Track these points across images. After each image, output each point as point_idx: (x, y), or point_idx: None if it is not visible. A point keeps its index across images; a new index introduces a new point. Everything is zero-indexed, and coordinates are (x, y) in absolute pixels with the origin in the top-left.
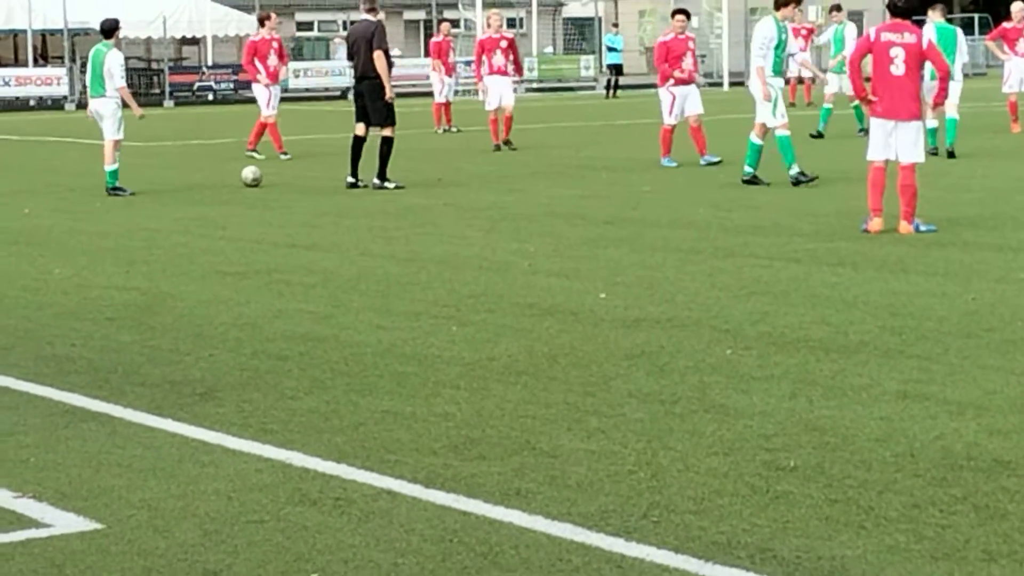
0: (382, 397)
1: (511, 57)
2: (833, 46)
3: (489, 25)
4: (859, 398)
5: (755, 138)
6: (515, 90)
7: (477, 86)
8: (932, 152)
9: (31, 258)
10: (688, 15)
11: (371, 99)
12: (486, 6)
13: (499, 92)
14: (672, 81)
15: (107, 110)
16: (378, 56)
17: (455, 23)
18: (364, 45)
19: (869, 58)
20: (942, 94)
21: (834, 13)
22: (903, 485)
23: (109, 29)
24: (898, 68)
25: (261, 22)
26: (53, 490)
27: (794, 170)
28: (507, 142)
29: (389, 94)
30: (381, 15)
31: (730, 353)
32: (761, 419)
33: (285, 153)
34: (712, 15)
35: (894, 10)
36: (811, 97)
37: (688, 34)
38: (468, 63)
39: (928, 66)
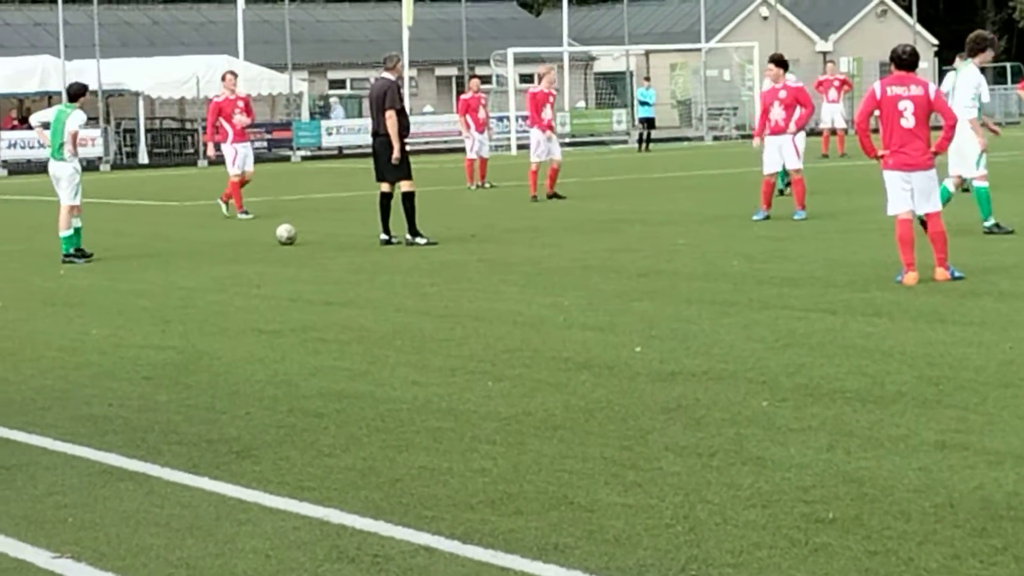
0: (419, 453)
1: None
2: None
3: (541, 79)
4: (897, 449)
5: (951, 186)
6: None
7: (543, 136)
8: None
9: (68, 319)
10: (779, 63)
11: (383, 156)
12: (517, 62)
13: (547, 146)
14: (767, 131)
15: (64, 174)
16: (389, 116)
17: (486, 79)
18: (376, 103)
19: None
20: (945, 143)
21: (771, 68)
22: (943, 536)
23: (75, 93)
24: (908, 121)
25: (222, 81)
26: (91, 550)
27: (990, 221)
28: (555, 195)
29: (396, 155)
30: (403, 72)
31: (767, 405)
32: (799, 471)
33: (246, 212)
34: (744, 67)
35: (899, 63)
36: (844, 148)
37: (787, 83)
38: (500, 119)
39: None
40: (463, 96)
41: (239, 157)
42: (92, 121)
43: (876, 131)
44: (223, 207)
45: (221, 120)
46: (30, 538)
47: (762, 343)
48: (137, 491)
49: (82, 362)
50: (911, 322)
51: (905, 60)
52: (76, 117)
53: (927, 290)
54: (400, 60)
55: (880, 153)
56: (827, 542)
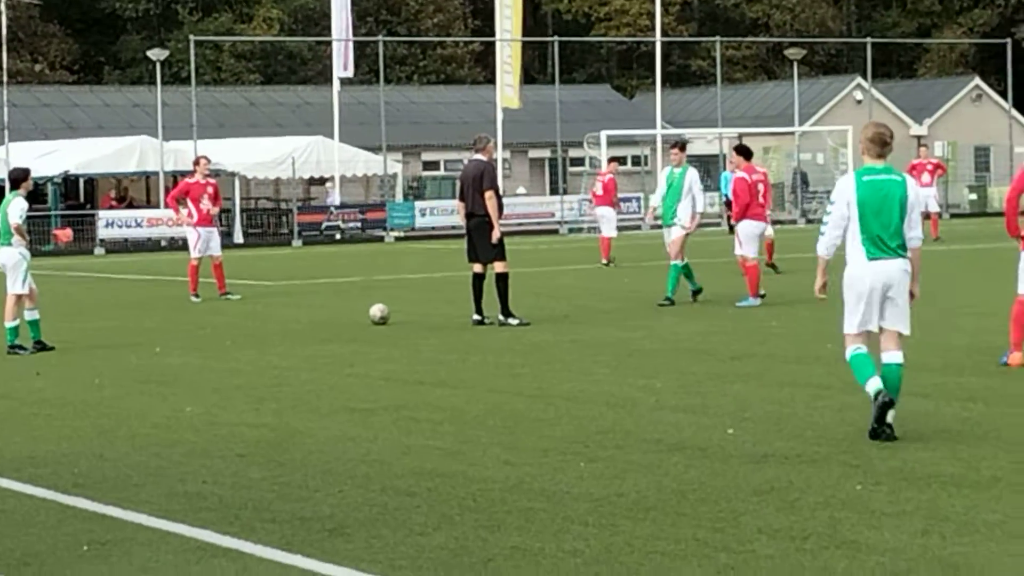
0: (511, 533)
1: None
2: (667, 191)
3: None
4: (993, 535)
5: None
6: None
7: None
8: None
9: (163, 396)
10: (739, 151)
11: (479, 237)
12: (611, 145)
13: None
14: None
15: (11, 260)
16: (489, 196)
17: (579, 161)
18: (473, 184)
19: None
20: None
21: (675, 152)
22: None
23: (16, 179)
24: None
25: (194, 165)
26: None
27: None
28: (771, 266)
29: (496, 234)
30: (495, 154)
31: (860, 488)
32: (893, 555)
33: (196, 296)
34: (837, 151)
35: None
36: (938, 232)
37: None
38: (588, 200)
39: None
40: (609, 177)
41: (201, 241)
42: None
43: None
44: (230, 296)
45: (189, 202)
46: None
47: (855, 426)
48: (230, 568)
49: (176, 439)
50: (1007, 407)
51: None
52: (16, 206)
53: (1022, 374)
54: (491, 142)
55: (1023, 233)
56: None
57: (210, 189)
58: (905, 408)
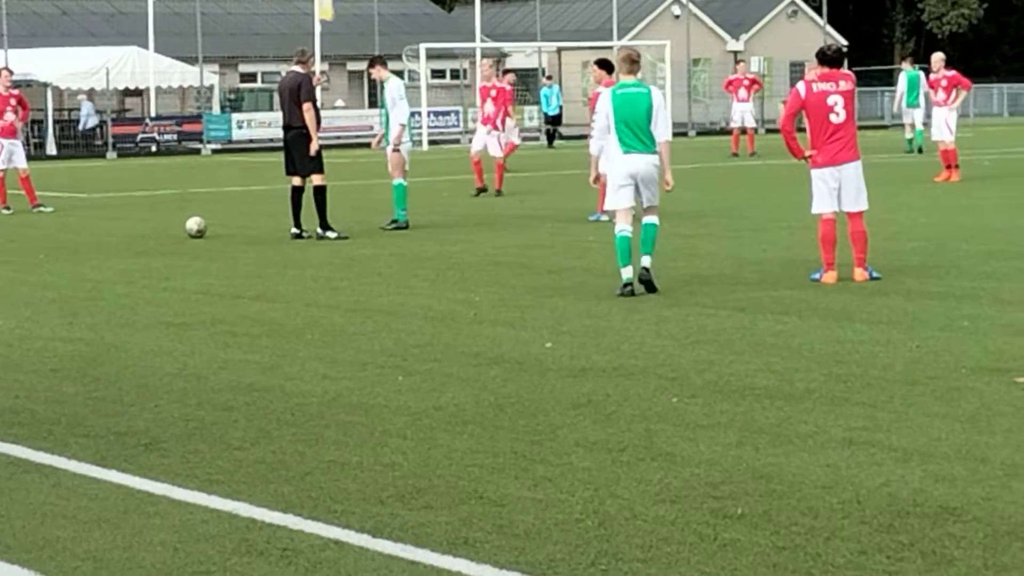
0: (328, 447)
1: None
2: (382, 114)
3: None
4: (805, 445)
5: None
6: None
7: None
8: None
9: None
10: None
11: (297, 149)
12: (430, 58)
13: (483, 140)
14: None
15: None
16: (306, 108)
17: (398, 74)
18: (290, 96)
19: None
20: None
21: (377, 67)
22: (850, 532)
23: None
24: (838, 116)
25: None
26: None
27: None
28: (498, 192)
29: (314, 147)
30: (315, 67)
31: (676, 401)
32: (708, 467)
33: (7, 208)
34: (655, 65)
35: (823, 59)
36: (754, 147)
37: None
38: (413, 114)
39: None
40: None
41: (4, 152)
42: None
43: (801, 130)
44: (43, 208)
45: None
46: None
47: (672, 340)
48: (43, 483)
49: None
50: (820, 320)
51: (830, 56)
52: None
53: (836, 289)
54: (312, 55)
55: (808, 153)
56: (735, 538)
57: (12, 101)
58: (721, 322)
